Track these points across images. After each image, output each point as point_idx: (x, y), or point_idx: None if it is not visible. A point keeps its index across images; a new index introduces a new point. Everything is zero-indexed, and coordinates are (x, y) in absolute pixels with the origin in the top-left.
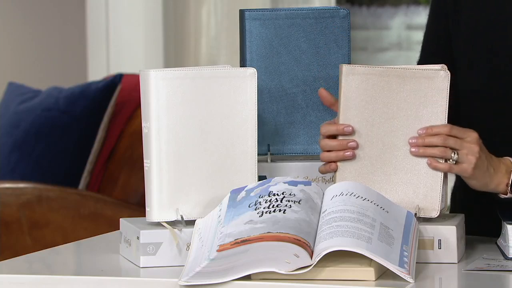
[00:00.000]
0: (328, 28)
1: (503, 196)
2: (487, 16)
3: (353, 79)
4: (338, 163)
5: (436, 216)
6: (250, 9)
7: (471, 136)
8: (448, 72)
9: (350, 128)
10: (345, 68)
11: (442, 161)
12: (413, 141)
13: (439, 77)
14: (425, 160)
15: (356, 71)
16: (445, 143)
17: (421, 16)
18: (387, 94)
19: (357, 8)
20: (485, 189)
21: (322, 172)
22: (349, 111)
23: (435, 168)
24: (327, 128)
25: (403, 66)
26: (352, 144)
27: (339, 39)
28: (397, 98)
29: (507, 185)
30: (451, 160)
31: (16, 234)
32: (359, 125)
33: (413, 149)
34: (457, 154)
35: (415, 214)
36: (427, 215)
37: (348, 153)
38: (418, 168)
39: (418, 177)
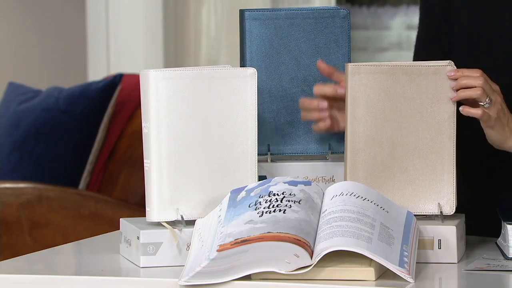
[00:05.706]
0: (328, 28)
1: None
2: (480, 18)
3: (359, 78)
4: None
5: (452, 213)
6: (250, 9)
7: (496, 86)
8: (455, 67)
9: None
10: (351, 67)
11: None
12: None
13: (446, 72)
14: (435, 158)
15: (362, 70)
16: (484, 85)
17: None
18: (394, 92)
19: (357, 8)
20: (502, 145)
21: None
22: (357, 110)
23: (468, 113)
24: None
25: (409, 62)
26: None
27: (339, 39)
28: (405, 95)
29: None
30: (485, 104)
31: (16, 234)
32: (367, 124)
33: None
34: (490, 99)
35: (441, 212)
36: (445, 212)
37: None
38: (428, 165)
39: (429, 175)
